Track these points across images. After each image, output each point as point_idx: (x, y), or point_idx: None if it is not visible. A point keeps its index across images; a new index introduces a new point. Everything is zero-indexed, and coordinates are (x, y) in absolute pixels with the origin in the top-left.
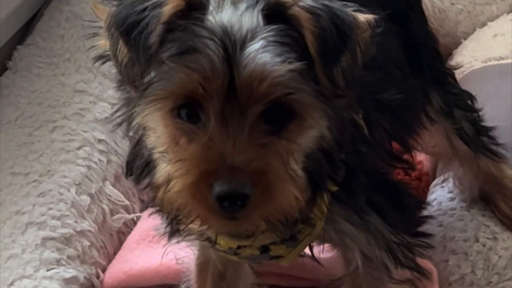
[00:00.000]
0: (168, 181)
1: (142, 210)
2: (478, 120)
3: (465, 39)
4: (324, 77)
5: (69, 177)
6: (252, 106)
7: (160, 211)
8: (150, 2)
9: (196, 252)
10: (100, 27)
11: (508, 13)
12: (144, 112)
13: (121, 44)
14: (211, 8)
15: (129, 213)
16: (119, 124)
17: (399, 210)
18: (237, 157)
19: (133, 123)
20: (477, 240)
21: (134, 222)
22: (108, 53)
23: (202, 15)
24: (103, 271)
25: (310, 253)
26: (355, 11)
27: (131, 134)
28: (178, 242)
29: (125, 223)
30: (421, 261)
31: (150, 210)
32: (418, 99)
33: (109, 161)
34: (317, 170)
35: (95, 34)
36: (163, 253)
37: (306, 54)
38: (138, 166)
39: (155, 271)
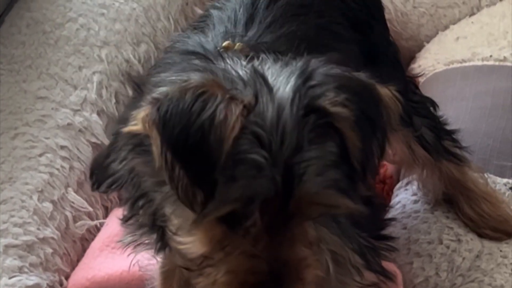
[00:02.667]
0: (214, 282)
1: (105, 217)
2: (440, 125)
3: (428, 42)
4: (361, 176)
5: (31, 184)
6: (300, 219)
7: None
8: (206, 114)
9: (160, 260)
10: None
11: (470, 16)
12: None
13: (178, 169)
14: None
15: (92, 219)
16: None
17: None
18: (286, 268)
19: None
20: (441, 242)
21: (98, 229)
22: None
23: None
24: (67, 278)
25: None
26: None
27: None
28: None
29: (88, 230)
30: (386, 264)
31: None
32: None
33: (71, 168)
34: None
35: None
36: (128, 260)
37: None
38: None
39: (119, 277)
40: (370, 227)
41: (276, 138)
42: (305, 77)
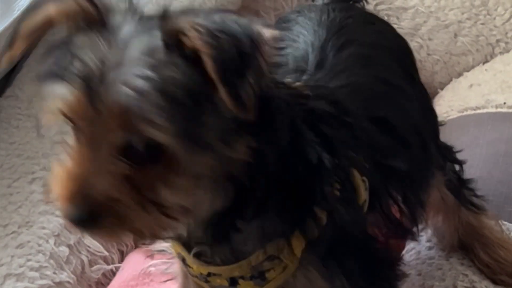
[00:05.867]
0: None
1: (121, 261)
2: (461, 172)
3: (441, 89)
4: (230, 100)
5: (47, 228)
6: (117, 135)
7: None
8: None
9: None
10: None
11: (483, 63)
12: None
13: None
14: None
15: (108, 264)
16: None
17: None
18: (90, 185)
19: None
20: None
21: (113, 273)
22: None
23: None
24: None
25: None
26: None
27: None
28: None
29: (104, 274)
30: None
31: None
32: (428, 167)
33: None
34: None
35: None
36: None
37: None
38: None
39: None
40: (357, 280)
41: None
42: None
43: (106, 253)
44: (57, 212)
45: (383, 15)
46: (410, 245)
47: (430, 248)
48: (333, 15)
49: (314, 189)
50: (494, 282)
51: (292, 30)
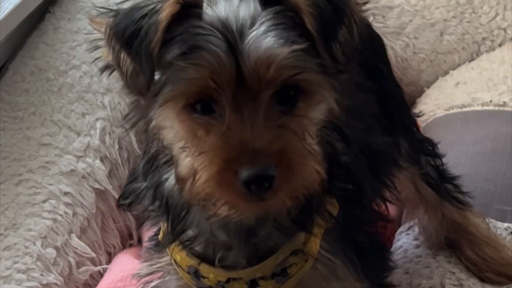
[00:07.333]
0: (193, 173)
1: (108, 262)
2: (442, 167)
3: (428, 87)
4: (326, 53)
5: (34, 230)
6: (263, 91)
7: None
8: (146, 9)
9: None
10: (100, 39)
11: (469, 61)
12: (158, 114)
13: (123, 55)
14: (205, 4)
15: (95, 265)
16: (134, 124)
17: (372, 260)
18: (257, 141)
19: (150, 125)
20: (443, 287)
21: (101, 275)
22: (112, 63)
23: (199, 11)
24: None
25: None
26: None
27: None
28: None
29: (91, 276)
30: None
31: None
32: (392, 155)
33: (75, 214)
34: (329, 148)
35: (96, 47)
36: None
37: (306, 33)
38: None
39: None
40: (373, 274)
41: (229, 18)
42: None
43: (94, 255)
44: (44, 214)
45: (369, 14)
46: (397, 244)
47: (417, 247)
48: None
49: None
50: (481, 279)
51: None
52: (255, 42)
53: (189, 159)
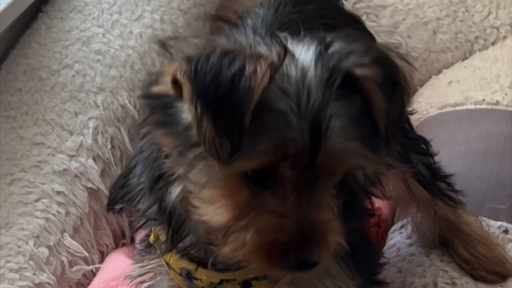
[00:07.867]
0: (242, 245)
1: (101, 262)
2: (434, 165)
3: (421, 86)
4: (386, 148)
5: (27, 229)
6: (326, 178)
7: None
8: (236, 66)
9: None
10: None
11: (462, 60)
12: (197, 167)
13: (206, 119)
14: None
15: (88, 264)
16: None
17: (364, 258)
18: (313, 229)
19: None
20: (436, 286)
21: (94, 274)
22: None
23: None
24: None
25: None
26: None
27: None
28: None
29: (84, 275)
30: None
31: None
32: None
33: (67, 213)
34: None
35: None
36: None
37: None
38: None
39: None
40: (365, 272)
41: (303, 92)
42: (325, 45)
43: (86, 254)
44: (37, 213)
45: (362, 13)
46: (390, 242)
47: (410, 245)
48: None
49: None
50: (474, 277)
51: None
52: (336, 137)
53: (241, 233)
